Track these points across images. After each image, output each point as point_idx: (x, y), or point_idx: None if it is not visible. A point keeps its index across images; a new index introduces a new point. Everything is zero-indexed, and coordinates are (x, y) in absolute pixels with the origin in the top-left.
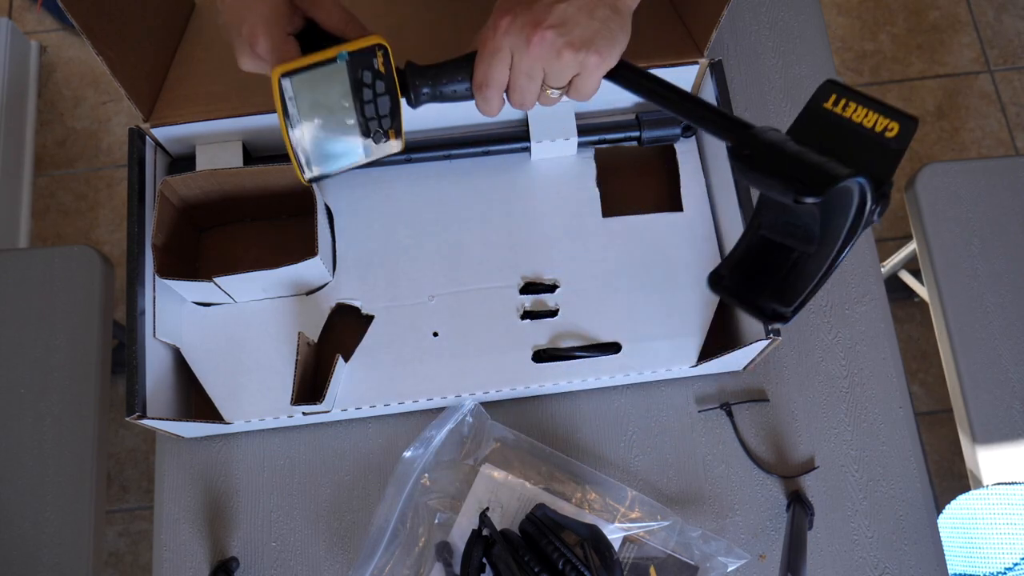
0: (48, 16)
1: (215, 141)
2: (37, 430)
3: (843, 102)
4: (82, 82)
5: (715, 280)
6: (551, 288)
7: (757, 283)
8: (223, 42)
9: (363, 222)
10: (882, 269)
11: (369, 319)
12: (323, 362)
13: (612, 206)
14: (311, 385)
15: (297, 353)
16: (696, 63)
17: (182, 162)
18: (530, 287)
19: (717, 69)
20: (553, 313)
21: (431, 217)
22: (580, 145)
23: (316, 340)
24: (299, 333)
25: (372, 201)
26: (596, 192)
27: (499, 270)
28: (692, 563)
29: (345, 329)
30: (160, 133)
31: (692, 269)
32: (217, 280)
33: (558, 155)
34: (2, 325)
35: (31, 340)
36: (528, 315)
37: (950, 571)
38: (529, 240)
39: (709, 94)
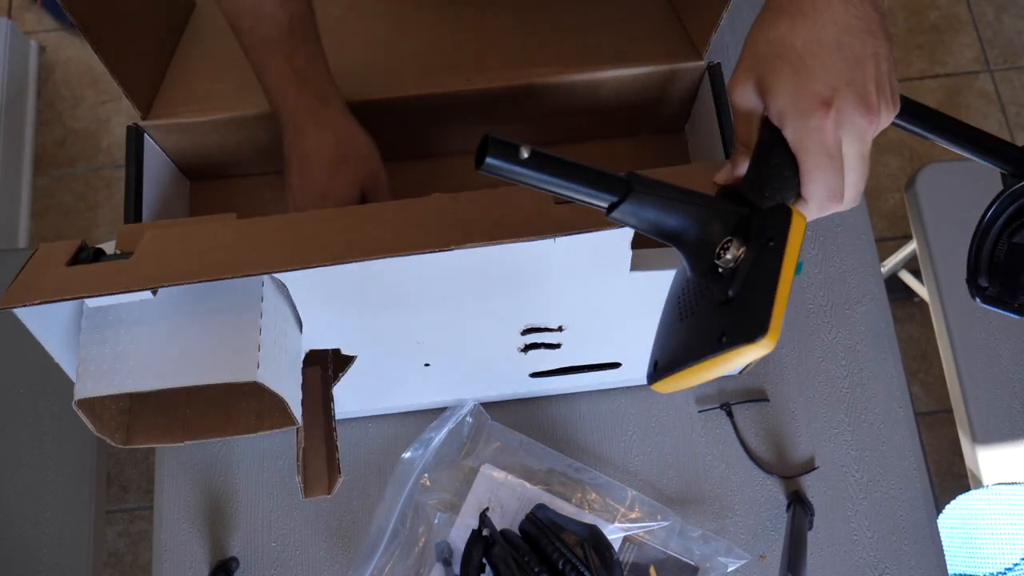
0: (47, 16)
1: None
2: (37, 430)
3: None
4: (81, 82)
5: (978, 291)
6: (557, 329)
7: (1014, 285)
8: (222, 41)
9: (328, 295)
10: (882, 269)
11: (351, 357)
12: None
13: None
14: (312, 461)
15: (297, 458)
16: (695, 65)
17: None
18: (533, 328)
19: (715, 72)
20: (555, 346)
21: (417, 284)
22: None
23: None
24: (297, 429)
25: (334, 279)
26: (628, 254)
27: (499, 320)
28: (692, 563)
29: (325, 360)
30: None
31: None
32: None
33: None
34: (1, 325)
35: (31, 340)
36: (529, 348)
37: (950, 571)
38: (539, 293)
39: (707, 97)
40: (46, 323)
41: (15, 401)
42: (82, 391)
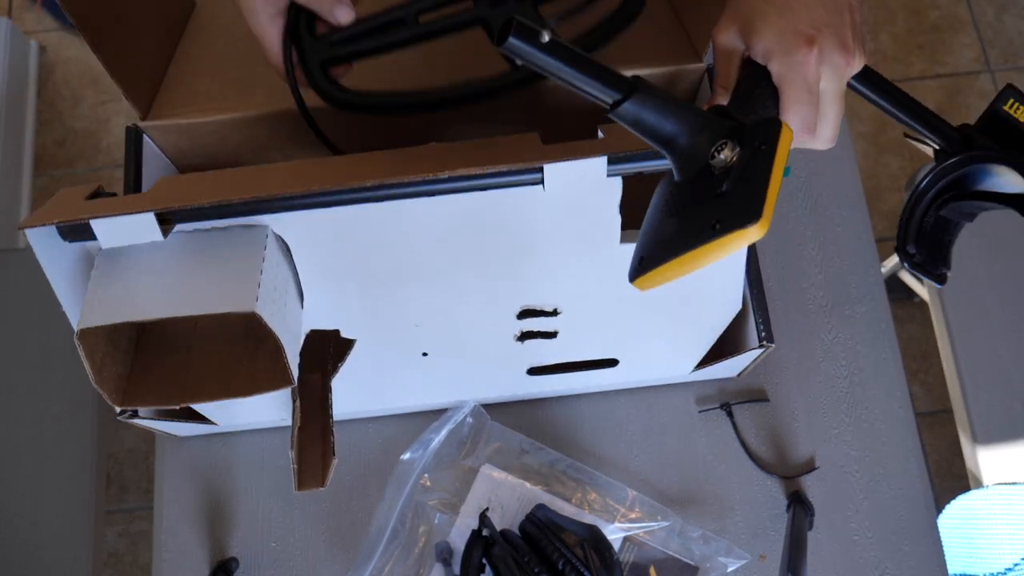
0: (47, 16)
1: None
2: (37, 430)
3: (1016, 106)
4: (81, 82)
5: (906, 256)
6: (552, 313)
7: (937, 255)
8: (222, 41)
9: (328, 258)
10: (882, 269)
11: (350, 342)
12: (306, 383)
13: (634, 224)
14: (308, 453)
15: (292, 447)
16: (695, 67)
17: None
18: (528, 312)
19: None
20: (551, 335)
21: (420, 236)
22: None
23: (296, 369)
24: (293, 410)
25: (336, 231)
26: (618, 219)
27: (495, 299)
28: (692, 563)
29: (324, 348)
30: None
31: (711, 296)
32: (198, 407)
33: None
34: (2, 325)
35: (31, 340)
36: (525, 336)
37: (950, 571)
38: (533, 266)
39: (706, 99)
40: (57, 259)
41: (15, 401)
42: (85, 322)
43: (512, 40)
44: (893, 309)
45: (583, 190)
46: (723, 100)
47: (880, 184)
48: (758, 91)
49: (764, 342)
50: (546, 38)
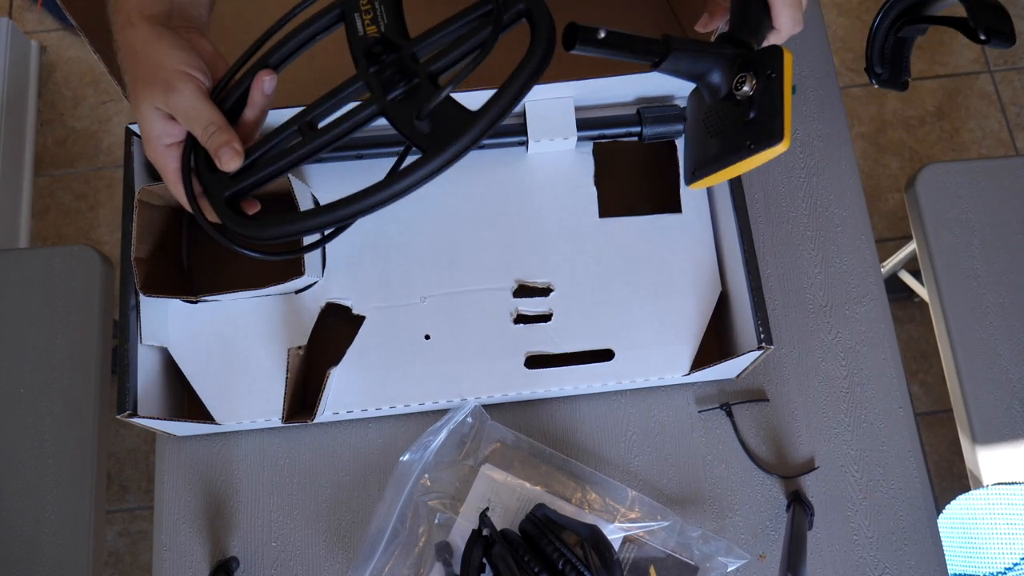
0: (48, 16)
1: None
2: (37, 430)
3: None
4: (82, 82)
5: (875, 76)
6: (545, 292)
7: (898, 68)
8: (223, 42)
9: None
10: (882, 269)
11: (360, 320)
12: (314, 366)
13: (609, 205)
14: (301, 397)
15: (287, 370)
16: None
17: None
18: (523, 290)
19: None
20: (546, 318)
21: (423, 213)
22: (579, 139)
23: (306, 341)
24: (289, 350)
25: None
26: (593, 191)
27: (492, 271)
28: (692, 563)
29: (335, 329)
30: None
31: (688, 275)
32: (205, 298)
33: (556, 150)
34: (2, 325)
35: (31, 340)
36: (521, 319)
37: (950, 571)
38: (524, 240)
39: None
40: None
41: (15, 401)
42: (144, 191)
43: (579, 45)
44: (893, 309)
45: (561, 162)
46: (720, 12)
47: (880, 184)
48: (752, 7)
49: (763, 344)
50: (603, 34)
